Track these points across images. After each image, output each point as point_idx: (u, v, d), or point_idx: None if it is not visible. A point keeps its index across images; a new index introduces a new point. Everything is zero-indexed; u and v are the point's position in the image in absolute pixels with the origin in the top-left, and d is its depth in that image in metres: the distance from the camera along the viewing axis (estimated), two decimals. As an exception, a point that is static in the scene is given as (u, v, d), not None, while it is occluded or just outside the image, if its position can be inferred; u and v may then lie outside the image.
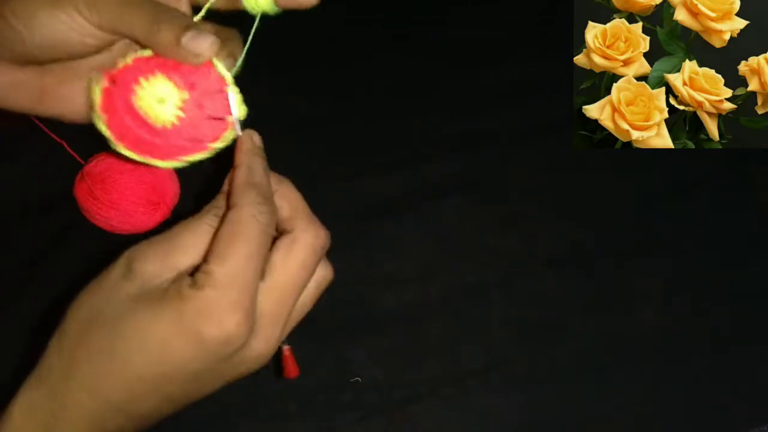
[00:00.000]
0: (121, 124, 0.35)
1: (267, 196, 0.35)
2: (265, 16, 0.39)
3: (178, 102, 0.35)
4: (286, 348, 0.39)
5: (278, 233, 0.36)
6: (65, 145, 0.57)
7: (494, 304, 0.56)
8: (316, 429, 0.51)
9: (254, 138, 0.37)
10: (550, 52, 0.64)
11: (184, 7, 0.40)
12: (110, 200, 0.54)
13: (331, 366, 0.54)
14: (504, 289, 0.57)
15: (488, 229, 0.60)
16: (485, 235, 0.59)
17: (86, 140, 0.57)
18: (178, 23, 0.35)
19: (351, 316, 0.55)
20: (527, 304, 0.56)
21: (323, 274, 0.37)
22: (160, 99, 0.35)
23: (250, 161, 0.36)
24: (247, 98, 0.39)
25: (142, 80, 0.35)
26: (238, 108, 0.36)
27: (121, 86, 0.35)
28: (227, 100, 0.35)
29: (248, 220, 0.33)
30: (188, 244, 0.34)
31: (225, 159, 0.56)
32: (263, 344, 0.34)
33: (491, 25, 0.70)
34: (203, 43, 0.35)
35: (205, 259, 0.33)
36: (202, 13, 0.38)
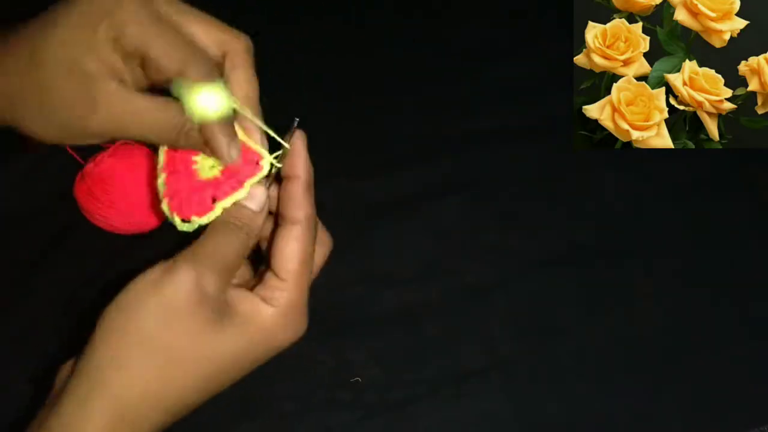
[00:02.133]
0: (176, 183, 0.38)
1: (314, 210, 0.38)
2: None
3: (220, 168, 0.38)
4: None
5: None
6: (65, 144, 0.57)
7: (494, 304, 0.56)
8: (316, 429, 0.51)
9: (305, 142, 0.39)
10: (550, 52, 0.64)
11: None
12: (110, 200, 0.54)
13: (331, 366, 0.54)
14: (504, 289, 0.57)
15: (488, 228, 0.60)
16: (485, 235, 0.59)
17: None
18: (204, 70, 0.36)
19: (351, 316, 0.55)
20: (527, 304, 0.56)
21: (327, 243, 0.41)
22: (212, 166, 0.38)
23: (309, 173, 0.38)
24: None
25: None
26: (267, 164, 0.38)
27: (182, 153, 0.38)
28: (256, 166, 0.38)
29: (309, 237, 0.37)
30: (235, 260, 0.36)
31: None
32: (305, 331, 0.38)
33: (491, 25, 0.70)
34: (229, 154, 0.37)
35: (277, 275, 0.36)
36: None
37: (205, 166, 0.38)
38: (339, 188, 0.60)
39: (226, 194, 0.37)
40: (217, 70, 0.37)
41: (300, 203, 0.37)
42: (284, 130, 0.38)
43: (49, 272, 0.56)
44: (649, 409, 0.53)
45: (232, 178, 0.37)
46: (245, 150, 0.38)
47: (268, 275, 0.37)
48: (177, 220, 0.37)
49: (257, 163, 0.38)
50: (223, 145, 0.37)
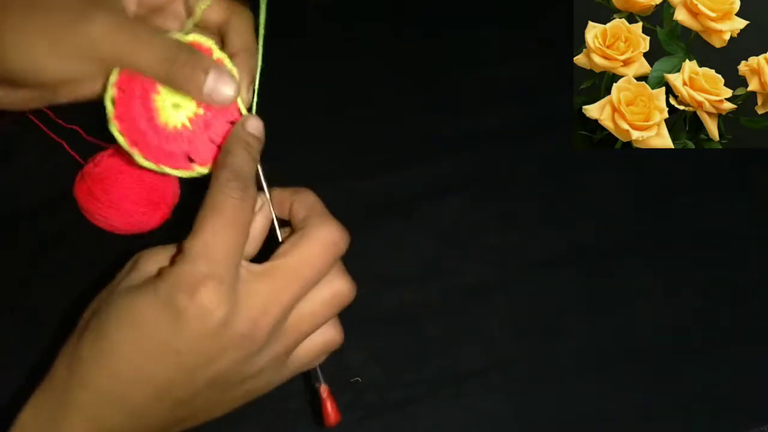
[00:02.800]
0: (135, 125, 0.35)
1: (240, 175, 0.34)
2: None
3: (190, 113, 0.35)
4: (323, 388, 0.38)
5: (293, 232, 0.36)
6: (65, 145, 0.57)
7: (494, 304, 0.56)
8: (316, 429, 0.51)
9: (249, 124, 0.36)
10: (550, 52, 0.64)
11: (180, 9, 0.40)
12: (110, 200, 0.54)
13: (331, 366, 0.53)
14: (504, 289, 0.57)
15: (488, 228, 0.60)
16: (485, 234, 0.59)
17: (86, 140, 0.57)
18: (196, 66, 0.34)
19: (351, 316, 0.55)
20: (527, 304, 0.56)
21: (341, 284, 0.37)
22: (175, 104, 0.35)
23: (231, 146, 0.35)
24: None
25: (159, 87, 0.35)
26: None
27: (139, 87, 0.35)
28: (230, 124, 0.36)
29: (219, 196, 0.33)
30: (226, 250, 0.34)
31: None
32: (249, 324, 0.33)
33: (491, 25, 0.70)
34: (226, 91, 0.34)
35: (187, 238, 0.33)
36: (189, 25, 0.37)
37: (167, 106, 0.35)
38: (339, 188, 0.60)
39: (204, 157, 0.35)
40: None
41: (213, 172, 0.34)
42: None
43: (49, 272, 0.56)
44: (649, 409, 0.53)
45: (206, 132, 0.35)
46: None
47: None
48: (140, 159, 0.35)
49: (232, 123, 0.35)
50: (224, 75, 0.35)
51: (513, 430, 0.52)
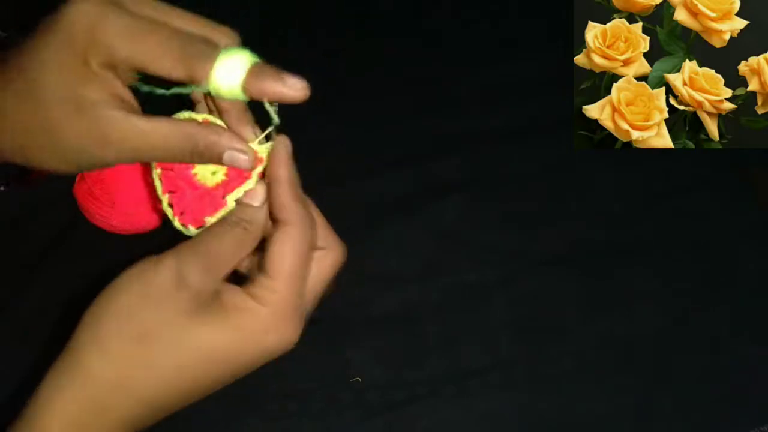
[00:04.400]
0: (183, 198, 0.38)
1: (311, 212, 0.37)
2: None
3: (224, 170, 0.38)
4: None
5: None
6: (65, 145, 0.57)
7: (494, 304, 0.56)
8: (316, 429, 0.51)
9: (288, 145, 0.37)
10: (550, 52, 0.64)
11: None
12: (110, 200, 0.54)
13: (331, 366, 0.54)
14: (504, 289, 0.57)
15: (488, 228, 0.60)
16: (485, 234, 0.59)
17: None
18: (215, 148, 0.35)
19: (351, 316, 0.55)
20: (527, 303, 0.56)
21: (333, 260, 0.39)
22: (213, 171, 0.38)
23: (292, 175, 0.37)
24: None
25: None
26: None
27: (177, 171, 0.38)
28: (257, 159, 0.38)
29: (302, 238, 0.35)
30: (226, 256, 0.35)
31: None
32: (297, 338, 0.36)
33: (491, 25, 0.70)
34: (243, 162, 0.36)
35: (267, 274, 0.35)
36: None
37: (207, 175, 0.38)
38: (339, 188, 0.60)
39: (235, 188, 0.37)
40: (217, 48, 0.35)
41: (287, 203, 0.36)
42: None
43: (49, 272, 0.56)
44: (649, 409, 0.53)
45: (239, 177, 0.37)
46: None
47: (259, 274, 0.36)
48: (193, 230, 0.37)
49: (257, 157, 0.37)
50: (249, 134, 0.37)
51: (513, 430, 0.52)
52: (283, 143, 0.37)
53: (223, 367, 0.35)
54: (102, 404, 0.33)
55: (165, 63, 0.34)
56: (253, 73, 0.34)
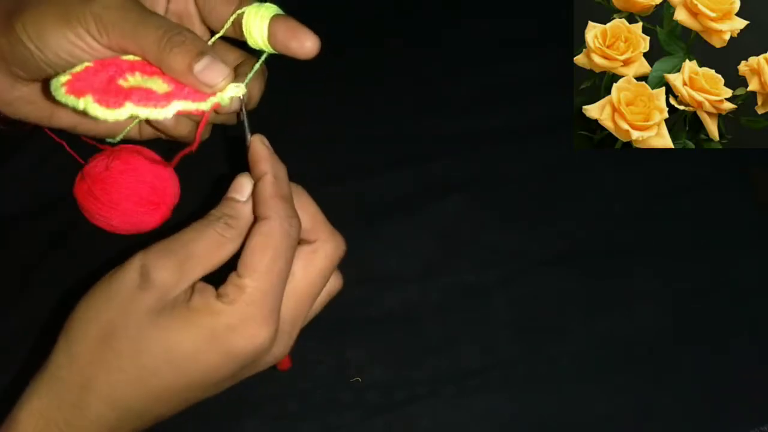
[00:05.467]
0: (87, 83, 0.35)
1: (294, 208, 0.35)
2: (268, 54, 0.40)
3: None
4: None
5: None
6: (65, 145, 0.57)
7: (494, 304, 0.56)
8: (316, 429, 0.51)
9: (266, 143, 0.36)
10: (550, 52, 0.64)
11: (197, 27, 0.40)
12: (110, 200, 0.54)
13: (331, 366, 0.54)
14: (504, 289, 0.57)
15: (488, 228, 0.60)
16: (485, 234, 0.59)
17: (86, 141, 0.57)
18: (190, 47, 0.34)
19: (351, 316, 0.55)
20: (527, 304, 0.56)
21: (335, 283, 0.38)
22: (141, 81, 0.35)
23: (276, 170, 0.35)
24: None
25: (128, 75, 0.35)
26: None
27: (108, 69, 0.35)
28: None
29: (281, 235, 0.33)
30: (201, 253, 0.34)
31: (224, 160, 0.56)
32: (282, 348, 0.35)
33: (491, 25, 0.70)
34: (217, 75, 0.35)
35: (237, 271, 0.33)
36: (214, 39, 0.38)
37: (134, 83, 0.35)
38: (339, 188, 0.60)
39: (146, 101, 0.34)
40: None
41: (266, 199, 0.34)
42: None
43: (49, 272, 0.56)
44: (649, 409, 0.53)
45: (167, 96, 0.35)
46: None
47: (231, 273, 0.34)
48: (92, 105, 0.34)
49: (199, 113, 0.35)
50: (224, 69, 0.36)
51: (513, 430, 0.52)
52: (259, 139, 0.36)
53: (188, 368, 0.33)
54: (71, 404, 0.33)
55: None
56: (279, 19, 0.37)
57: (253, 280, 0.33)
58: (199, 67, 0.34)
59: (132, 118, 0.34)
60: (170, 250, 0.34)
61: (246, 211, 0.35)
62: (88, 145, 0.57)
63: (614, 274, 0.58)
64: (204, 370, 0.33)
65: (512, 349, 0.55)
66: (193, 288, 0.34)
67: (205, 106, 0.35)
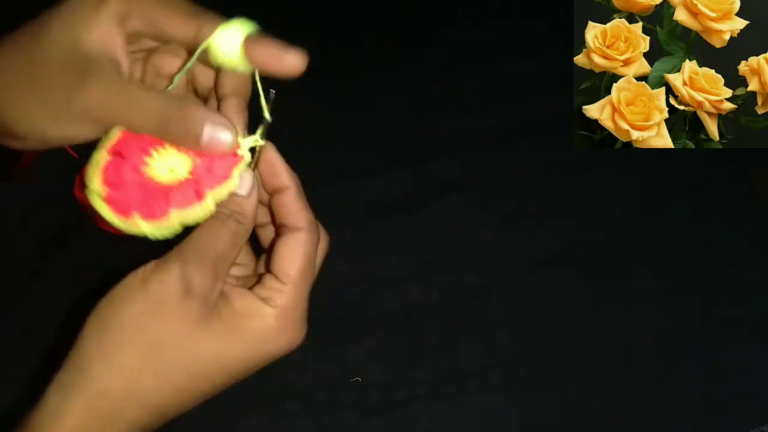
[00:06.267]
0: (127, 197, 0.35)
1: (314, 217, 0.37)
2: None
3: (189, 167, 0.35)
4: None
5: None
6: (65, 145, 0.57)
7: (494, 304, 0.56)
8: (316, 429, 0.51)
9: (276, 151, 0.37)
10: (550, 51, 0.64)
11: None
12: (110, 200, 0.54)
13: (331, 366, 0.54)
14: (504, 289, 0.57)
15: (488, 228, 0.60)
16: (485, 234, 0.59)
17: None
18: (192, 120, 0.34)
19: (351, 316, 0.55)
20: (527, 304, 0.56)
21: (323, 246, 0.40)
22: (171, 169, 0.35)
23: (296, 181, 0.37)
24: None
25: (152, 151, 0.35)
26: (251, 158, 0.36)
27: (129, 158, 0.35)
28: (234, 157, 0.35)
29: (312, 244, 0.36)
30: (225, 253, 0.35)
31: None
32: (303, 339, 0.37)
33: (491, 25, 0.70)
34: (225, 140, 0.34)
35: (277, 277, 0.35)
36: (183, 72, 0.37)
37: (158, 169, 0.35)
38: (339, 188, 0.60)
39: (212, 186, 0.34)
40: (222, 18, 0.35)
41: (296, 210, 0.36)
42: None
43: (49, 272, 0.56)
44: (649, 409, 0.53)
45: (211, 174, 0.35)
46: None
47: (268, 277, 0.36)
48: (142, 224, 0.34)
49: (234, 155, 0.35)
50: (231, 115, 0.35)
51: (513, 430, 0.52)
52: (272, 149, 0.36)
53: (233, 369, 0.35)
54: (110, 414, 0.33)
55: (176, 21, 0.34)
56: (252, 40, 0.34)
57: (292, 286, 0.35)
58: (205, 139, 0.34)
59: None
60: (202, 254, 0.34)
61: (250, 206, 0.36)
62: (88, 145, 0.57)
63: (614, 274, 0.58)
64: (248, 370, 0.35)
65: (512, 349, 0.55)
66: (224, 290, 0.35)
67: (234, 179, 0.35)
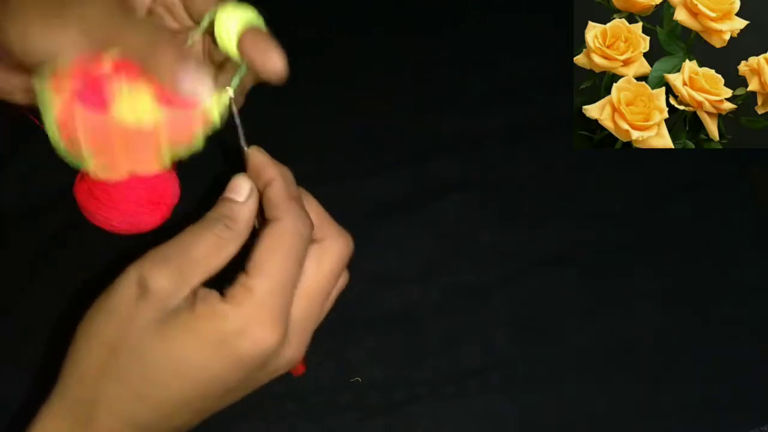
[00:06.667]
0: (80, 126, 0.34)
1: (304, 208, 0.34)
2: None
3: (153, 116, 0.34)
4: None
5: None
6: (65, 145, 0.57)
7: (494, 304, 0.56)
8: (316, 429, 0.51)
9: (263, 152, 0.36)
10: (550, 51, 0.64)
11: (183, 18, 0.40)
12: (110, 200, 0.54)
13: (331, 366, 0.54)
14: (504, 289, 0.57)
15: (488, 228, 0.60)
16: (485, 234, 0.59)
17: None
18: (178, 54, 0.33)
19: (351, 316, 0.55)
20: (527, 304, 0.56)
21: (343, 280, 0.38)
22: (135, 110, 0.34)
23: (283, 173, 0.35)
24: (246, 100, 0.39)
25: (122, 88, 0.34)
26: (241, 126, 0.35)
27: (98, 88, 0.34)
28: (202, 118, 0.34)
29: (292, 235, 0.33)
30: (200, 258, 0.33)
31: (224, 160, 0.56)
32: (294, 351, 0.34)
33: (491, 25, 0.70)
34: (200, 87, 0.34)
35: (246, 272, 0.32)
36: (192, 39, 0.37)
37: (123, 108, 0.34)
38: (339, 188, 0.60)
39: (139, 154, 0.33)
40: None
41: (279, 203, 0.34)
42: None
43: (49, 272, 0.56)
44: (649, 409, 0.53)
45: (156, 136, 0.34)
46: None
47: (239, 274, 0.33)
48: (56, 135, 0.33)
49: (203, 117, 0.34)
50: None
51: (513, 430, 0.52)
52: (257, 149, 0.35)
53: (197, 378, 0.32)
54: (84, 421, 0.33)
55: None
56: (252, 31, 0.34)
57: (263, 280, 0.32)
58: (182, 77, 0.33)
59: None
60: (167, 257, 0.33)
61: (244, 213, 0.34)
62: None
63: (614, 274, 0.58)
64: (213, 379, 0.32)
65: (512, 349, 0.55)
66: (195, 294, 0.33)
67: (194, 119, 0.34)
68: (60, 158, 0.57)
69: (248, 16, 0.35)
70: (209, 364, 0.32)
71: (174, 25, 0.39)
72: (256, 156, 0.35)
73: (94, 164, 0.34)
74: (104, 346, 0.32)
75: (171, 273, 0.32)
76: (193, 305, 0.32)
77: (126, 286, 0.32)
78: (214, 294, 0.33)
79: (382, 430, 0.51)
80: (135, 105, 0.33)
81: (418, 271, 0.58)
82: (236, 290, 0.32)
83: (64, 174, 0.57)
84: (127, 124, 0.33)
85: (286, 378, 0.51)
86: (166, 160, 0.33)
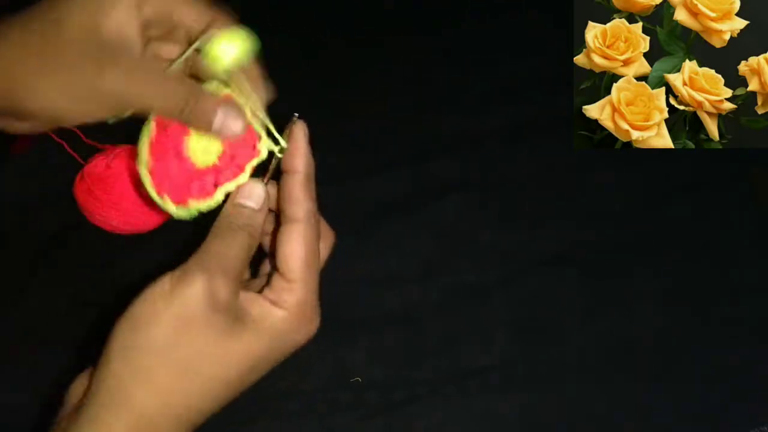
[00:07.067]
0: (167, 169, 0.37)
1: (316, 207, 0.37)
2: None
3: (219, 151, 0.37)
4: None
5: None
6: (65, 145, 0.57)
7: (494, 304, 0.56)
8: (316, 429, 0.51)
9: (306, 132, 0.38)
10: (550, 51, 0.64)
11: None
12: (110, 200, 0.54)
13: (331, 366, 0.54)
14: (504, 289, 0.57)
15: (488, 228, 0.60)
16: (485, 234, 0.59)
17: (86, 141, 0.57)
18: (205, 105, 0.36)
19: (351, 316, 0.55)
20: (527, 304, 0.56)
21: (329, 238, 0.41)
22: (205, 149, 0.37)
23: (309, 169, 0.37)
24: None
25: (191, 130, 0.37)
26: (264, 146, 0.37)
27: (172, 134, 0.37)
28: (253, 150, 0.37)
29: (314, 237, 0.36)
30: (241, 265, 0.36)
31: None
32: (317, 328, 0.38)
33: (491, 25, 0.70)
34: (234, 127, 0.36)
35: (283, 275, 0.36)
36: (179, 61, 0.38)
37: (199, 150, 0.37)
38: (339, 188, 0.60)
39: (228, 180, 0.37)
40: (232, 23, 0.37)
41: (298, 199, 0.36)
42: (282, 129, 0.38)
43: (49, 272, 0.56)
44: (649, 409, 0.53)
45: (232, 163, 0.37)
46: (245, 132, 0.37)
47: (275, 277, 0.36)
48: (170, 205, 0.36)
49: (254, 147, 0.37)
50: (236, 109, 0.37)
51: (513, 430, 0.52)
52: (302, 128, 0.38)
53: (261, 369, 0.36)
54: (148, 430, 0.34)
55: (189, 11, 0.36)
56: (246, 63, 0.37)
57: (300, 281, 0.36)
58: (217, 124, 0.36)
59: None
60: (225, 266, 0.35)
61: (260, 220, 0.37)
62: (88, 145, 0.57)
63: (614, 274, 0.58)
64: (270, 367, 0.37)
65: (512, 349, 0.55)
66: (243, 298, 0.36)
67: (246, 173, 0.37)
68: (60, 158, 0.58)
69: (243, 45, 0.36)
70: (274, 358, 0.36)
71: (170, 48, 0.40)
72: (298, 134, 0.38)
73: (173, 209, 0.37)
74: (180, 362, 0.34)
75: (233, 284, 0.35)
76: (248, 310, 0.35)
77: (199, 298, 0.34)
78: (260, 298, 0.36)
79: (382, 430, 0.51)
80: (205, 147, 0.37)
81: (418, 271, 0.58)
82: (282, 294, 0.36)
83: (64, 174, 0.57)
84: (200, 159, 0.37)
85: (286, 378, 0.52)
86: (220, 197, 0.37)
